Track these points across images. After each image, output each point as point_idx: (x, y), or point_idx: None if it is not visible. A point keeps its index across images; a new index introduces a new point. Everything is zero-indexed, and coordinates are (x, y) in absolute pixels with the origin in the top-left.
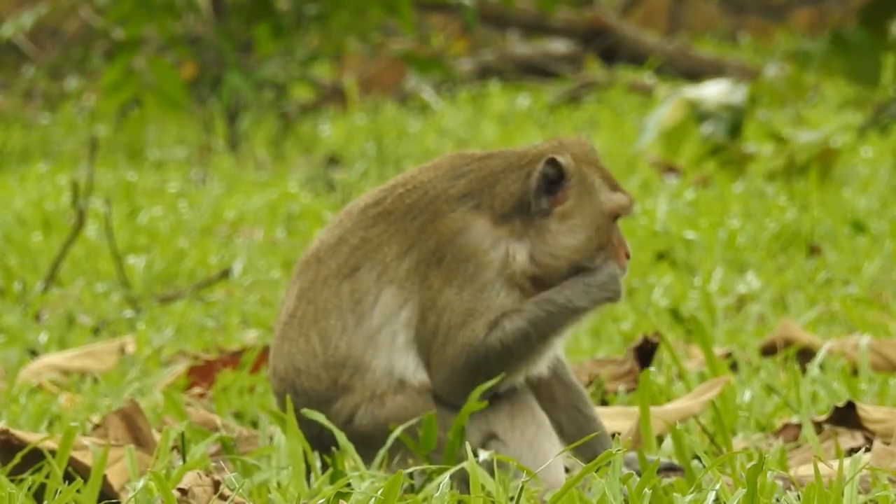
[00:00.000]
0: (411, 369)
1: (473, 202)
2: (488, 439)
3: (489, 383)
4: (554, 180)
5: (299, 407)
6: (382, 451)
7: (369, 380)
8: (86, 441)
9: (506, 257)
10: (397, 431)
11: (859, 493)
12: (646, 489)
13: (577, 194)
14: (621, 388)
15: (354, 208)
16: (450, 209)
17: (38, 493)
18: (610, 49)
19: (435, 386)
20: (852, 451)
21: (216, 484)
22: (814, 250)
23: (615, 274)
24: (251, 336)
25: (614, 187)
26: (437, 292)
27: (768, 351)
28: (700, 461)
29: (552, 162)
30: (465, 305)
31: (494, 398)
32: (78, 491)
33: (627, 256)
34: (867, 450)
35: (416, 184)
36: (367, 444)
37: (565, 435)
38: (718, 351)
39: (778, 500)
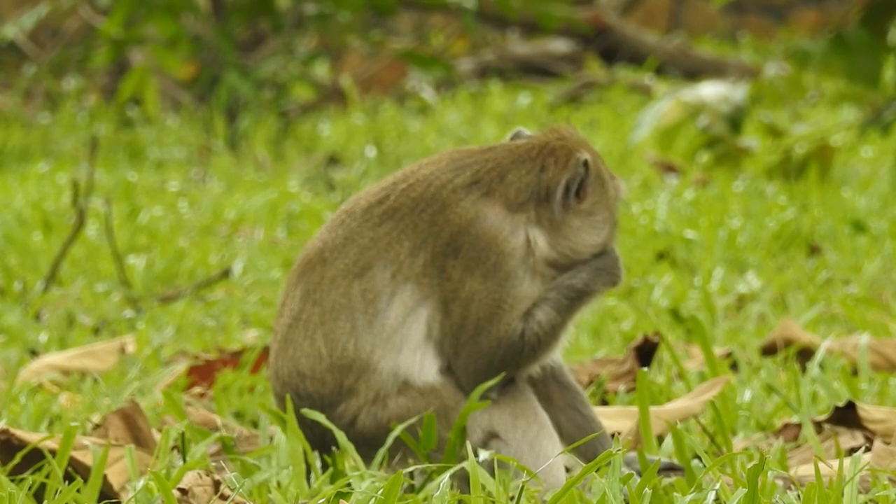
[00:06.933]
0: (417, 369)
1: (483, 190)
2: (489, 438)
3: (492, 381)
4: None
5: (301, 411)
6: (383, 451)
7: (374, 382)
8: (86, 441)
9: (526, 243)
10: (398, 430)
11: (859, 492)
12: (646, 489)
13: (595, 190)
14: (621, 388)
15: (356, 208)
16: (458, 198)
17: (38, 493)
18: (610, 49)
19: (463, 376)
20: (852, 451)
21: (216, 484)
22: (814, 250)
23: (619, 257)
24: (251, 336)
25: (611, 174)
26: (458, 283)
27: (768, 351)
28: (700, 461)
29: (585, 164)
30: (491, 296)
31: (498, 395)
32: (78, 491)
33: None
34: (867, 449)
35: (418, 178)
36: (370, 446)
37: (564, 435)
38: (718, 351)
39: (778, 500)
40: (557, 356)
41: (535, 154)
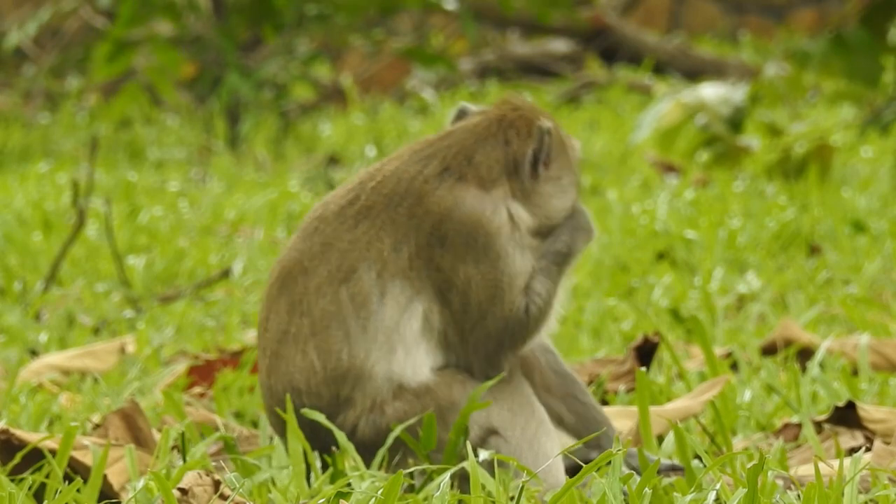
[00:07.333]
0: (410, 371)
1: (455, 176)
2: (488, 434)
3: (492, 381)
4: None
5: (301, 428)
6: (382, 451)
7: (370, 389)
8: (86, 441)
9: (510, 219)
10: (397, 430)
11: (859, 492)
12: (646, 489)
13: (559, 155)
14: (621, 388)
15: (327, 213)
16: (433, 188)
17: (38, 493)
18: (610, 49)
19: (475, 361)
20: (852, 451)
21: (216, 483)
22: (814, 250)
23: (587, 212)
24: (251, 336)
25: (567, 135)
26: (450, 272)
27: (768, 351)
28: (700, 461)
29: (548, 132)
30: (487, 278)
31: (496, 391)
32: (78, 491)
33: None
34: (867, 449)
35: (385, 174)
36: (371, 453)
37: (566, 425)
38: (718, 351)
39: (778, 500)
40: (550, 344)
41: (496, 129)
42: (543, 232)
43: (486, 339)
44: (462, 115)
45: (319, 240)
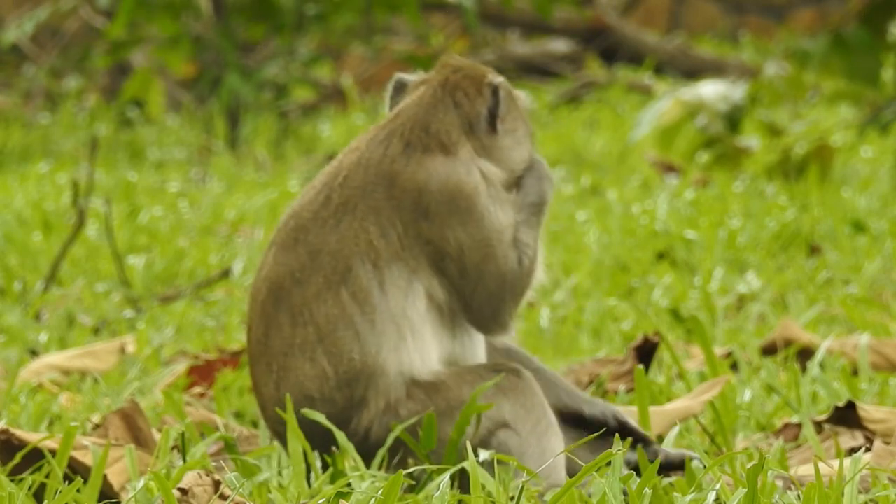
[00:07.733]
0: (419, 361)
1: (419, 149)
2: (498, 427)
3: (491, 381)
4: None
5: (313, 436)
6: (382, 451)
7: (383, 386)
8: (86, 441)
9: (482, 177)
10: (398, 430)
11: (859, 492)
12: (646, 489)
13: (511, 108)
14: (621, 388)
15: (302, 221)
16: (402, 166)
17: (38, 493)
18: (610, 49)
19: (482, 324)
20: (852, 451)
21: (216, 484)
22: (814, 250)
23: (544, 160)
24: None
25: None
26: (441, 241)
27: (768, 351)
28: (700, 461)
29: (499, 86)
30: (476, 238)
31: (508, 388)
32: (78, 491)
33: None
34: (867, 449)
35: (349, 168)
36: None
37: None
38: (718, 351)
39: (778, 500)
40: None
41: (442, 95)
42: (509, 185)
43: (488, 298)
44: (400, 86)
45: (305, 249)
